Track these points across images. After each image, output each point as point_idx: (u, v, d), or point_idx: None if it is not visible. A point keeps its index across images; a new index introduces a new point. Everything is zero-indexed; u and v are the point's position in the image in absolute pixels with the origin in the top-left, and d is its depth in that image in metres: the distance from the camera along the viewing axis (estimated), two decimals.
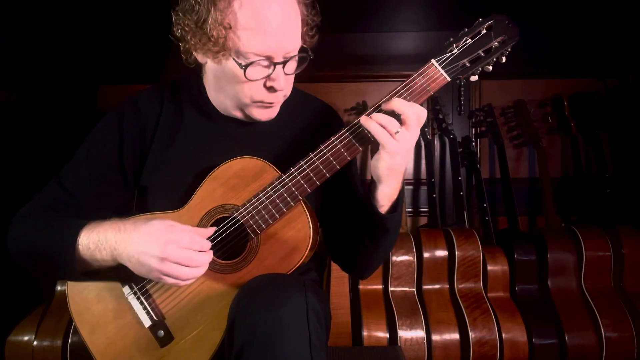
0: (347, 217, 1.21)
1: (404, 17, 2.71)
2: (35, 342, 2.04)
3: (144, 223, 1.07)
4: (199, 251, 1.06)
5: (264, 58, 1.08)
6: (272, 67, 1.09)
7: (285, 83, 1.12)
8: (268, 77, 1.10)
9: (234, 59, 1.08)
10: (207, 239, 1.10)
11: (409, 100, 1.08)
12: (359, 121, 1.08)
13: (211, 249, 1.12)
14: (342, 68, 2.84)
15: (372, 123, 1.05)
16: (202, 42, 1.08)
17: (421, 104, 1.09)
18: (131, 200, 1.29)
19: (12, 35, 2.45)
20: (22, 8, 2.34)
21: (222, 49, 1.07)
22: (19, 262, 1.19)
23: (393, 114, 1.05)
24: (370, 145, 1.10)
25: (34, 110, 2.57)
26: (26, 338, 2.06)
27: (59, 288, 2.19)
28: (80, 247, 1.10)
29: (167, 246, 1.02)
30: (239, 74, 1.09)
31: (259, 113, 1.17)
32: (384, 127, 1.04)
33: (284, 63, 1.10)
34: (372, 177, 1.11)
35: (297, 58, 1.13)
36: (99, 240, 1.09)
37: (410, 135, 1.05)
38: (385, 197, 1.11)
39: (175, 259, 1.03)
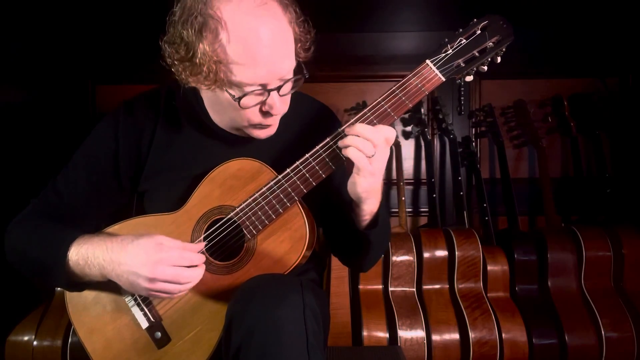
0: (336, 224, 1.24)
1: (404, 17, 2.71)
2: (35, 342, 2.05)
3: (131, 241, 1.06)
4: (190, 266, 1.06)
5: (258, 87, 1.05)
6: (267, 93, 1.06)
7: (281, 105, 1.10)
8: (263, 103, 1.08)
9: (226, 90, 1.05)
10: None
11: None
12: (354, 122, 1.09)
13: (207, 250, 1.13)
14: (342, 68, 2.84)
15: (351, 148, 1.05)
16: (192, 74, 1.04)
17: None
18: (130, 204, 1.30)
19: (10, 35, 2.46)
20: (20, 8, 2.34)
21: (214, 83, 1.04)
22: (16, 267, 1.20)
23: None
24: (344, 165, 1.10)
25: (32, 110, 2.57)
26: (26, 338, 2.07)
27: (58, 288, 2.20)
28: (70, 262, 1.10)
29: (156, 266, 1.03)
30: (234, 103, 1.06)
31: (258, 133, 1.15)
32: (361, 151, 1.04)
33: (279, 88, 1.07)
34: (350, 197, 1.11)
35: (292, 80, 1.10)
36: (87, 257, 1.09)
37: (380, 157, 1.06)
38: (366, 212, 1.13)
39: (165, 277, 1.03)
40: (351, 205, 1.13)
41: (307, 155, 1.09)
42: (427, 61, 1.09)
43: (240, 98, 1.05)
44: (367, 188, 1.07)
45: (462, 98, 2.75)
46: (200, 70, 1.02)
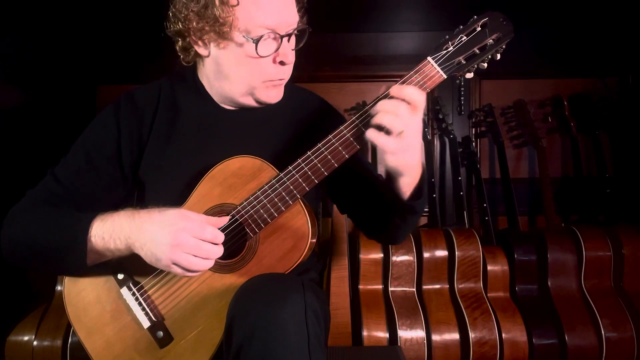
0: (371, 203, 1.24)
1: (404, 17, 2.71)
2: (35, 342, 2.04)
3: (158, 211, 1.07)
4: (212, 243, 1.06)
5: (271, 31, 1.12)
6: (279, 40, 1.13)
7: (291, 57, 1.17)
8: (276, 51, 1.14)
9: (243, 36, 1.11)
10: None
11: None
12: (356, 119, 1.08)
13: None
14: (342, 68, 2.85)
15: (370, 130, 1.04)
16: (209, 24, 1.11)
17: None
18: (131, 199, 1.29)
19: (12, 35, 2.45)
20: (23, 8, 2.34)
21: (230, 28, 1.11)
22: (17, 260, 1.17)
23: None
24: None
25: (33, 110, 2.57)
26: (26, 338, 2.06)
27: (59, 288, 2.19)
28: (93, 238, 1.09)
29: (179, 234, 1.03)
30: (249, 52, 1.12)
31: (268, 95, 1.20)
32: (383, 129, 1.03)
33: (289, 36, 1.15)
34: (387, 170, 1.11)
35: (297, 32, 1.17)
36: (113, 229, 1.08)
37: (408, 130, 1.03)
38: (405, 185, 1.12)
39: (186, 247, 1.03)
40: (390, 179, 1.13)
41: (309, 153, 1.09)
42: (429, 58, 1.09)
43: (258, 40, 1.11)
44: (398, 164, 1.06)
45: (462, 98, 2.76)
46: (218, 17, 1.09)
